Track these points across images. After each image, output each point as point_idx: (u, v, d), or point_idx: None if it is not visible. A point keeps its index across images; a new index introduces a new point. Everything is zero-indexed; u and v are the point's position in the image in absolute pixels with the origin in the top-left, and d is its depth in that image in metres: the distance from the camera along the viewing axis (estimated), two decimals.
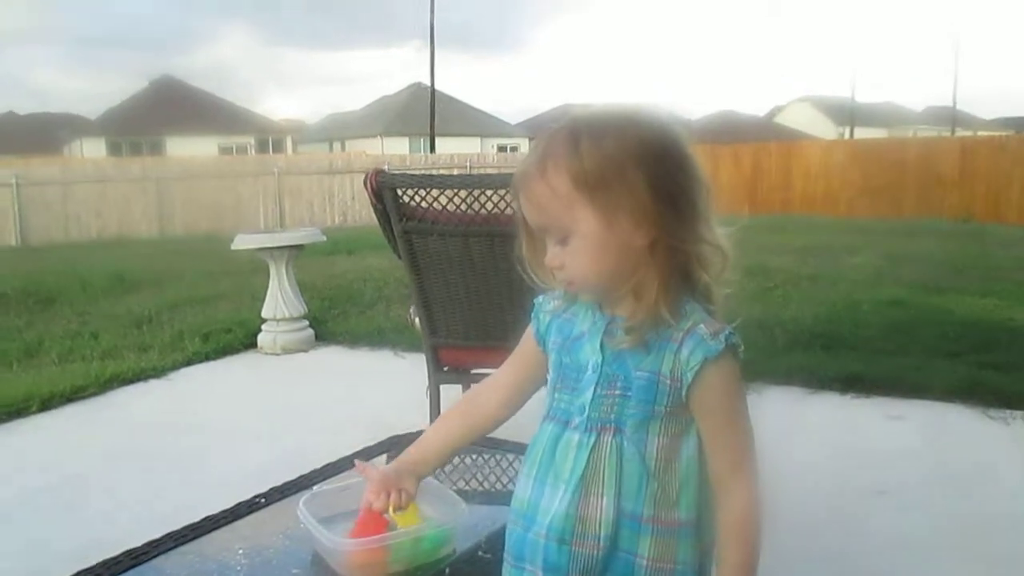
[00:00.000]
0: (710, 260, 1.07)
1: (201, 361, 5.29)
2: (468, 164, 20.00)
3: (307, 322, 5.66)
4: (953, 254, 9.07)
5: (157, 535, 1.48)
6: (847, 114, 42.23)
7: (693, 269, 1.07)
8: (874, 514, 2.87)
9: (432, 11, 25.64)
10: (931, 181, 16.37)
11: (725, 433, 1.10)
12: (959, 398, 4.03)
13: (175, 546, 1.46)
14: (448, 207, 2.86)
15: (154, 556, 1.43)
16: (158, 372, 4.98)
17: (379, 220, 3.04)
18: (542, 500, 1.12)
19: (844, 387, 4.27)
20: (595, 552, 1.09)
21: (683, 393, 1.07)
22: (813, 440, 3.66)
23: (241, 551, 1.43)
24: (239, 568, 1.37)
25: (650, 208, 1.02)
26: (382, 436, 2.04)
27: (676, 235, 1.04)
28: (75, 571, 1.37)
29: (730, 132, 36.15)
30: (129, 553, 1.43)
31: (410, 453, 1.32)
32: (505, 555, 1.18)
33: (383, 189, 2.89)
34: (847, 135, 39.30)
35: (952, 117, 43.78)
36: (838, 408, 4.08)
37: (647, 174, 1.02)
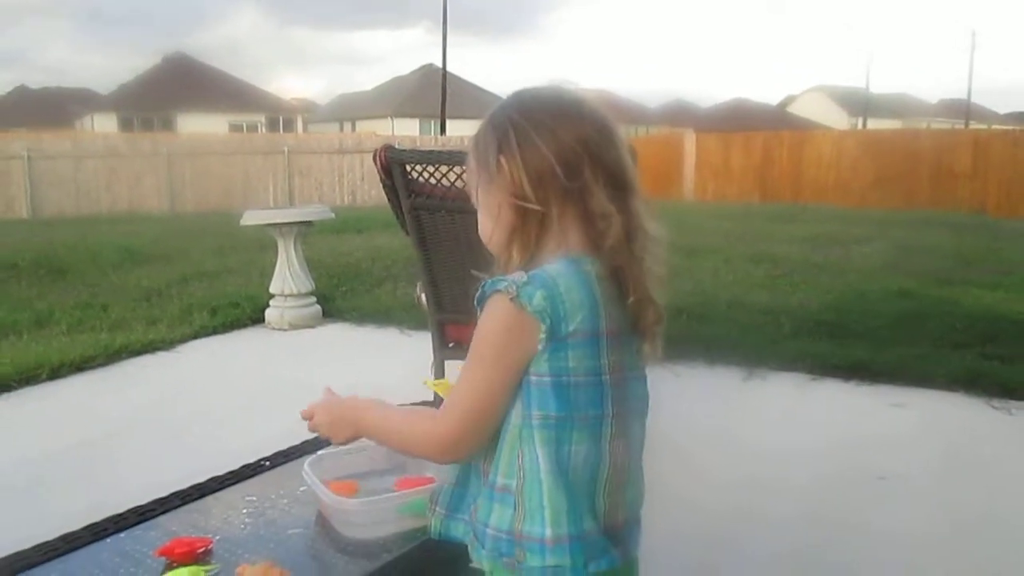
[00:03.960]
0: (586, 226, 1.08)
1: (209, 335, 5.34)
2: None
3: (315, 298, 5.69)
4: (964, 247, 9.02)
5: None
6: (860, 104, 42.00)
7: (558, 233, 1.09)
8: (874, 500, 2.89)
9: None
10: (944, 174, 16.24)
11: (463, 367, 1.11)
12: (963, 388, 4.04)
13: (180, 504, 1.49)
14: (456, 184, 2.87)
15: (160, 513, 1.45)
16: (166, 344, 5.03)
17: (388, 196, 3.06)
18: None
19: (848, 374, 4.28)
20: None
21: None
22: (816, 425, 3.68)
23: (245, 511, 1.46)
24: (243, 526, 1.40)
25: (518, 178, 1.07)
26: None
27: (545, 202, 1.07)
28: (84, 525, 1.40)
29: (742, 120, 36.04)
30: (135, 510, 1.46)
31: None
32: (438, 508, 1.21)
33: (392, 164, 2.90)
34: (860, 125, 39.05)
35: (966, 110, 43.50)
36: (842, 395, 4.09)
37: (515, 147, 1.08)
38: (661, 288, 1.13)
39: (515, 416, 1.09)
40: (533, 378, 1.06)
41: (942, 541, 2.61)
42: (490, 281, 1.06)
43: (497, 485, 1.10)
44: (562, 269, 1.06)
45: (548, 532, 1.06)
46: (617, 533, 1.11)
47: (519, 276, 1.05)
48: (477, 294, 1.08)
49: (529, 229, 1.09)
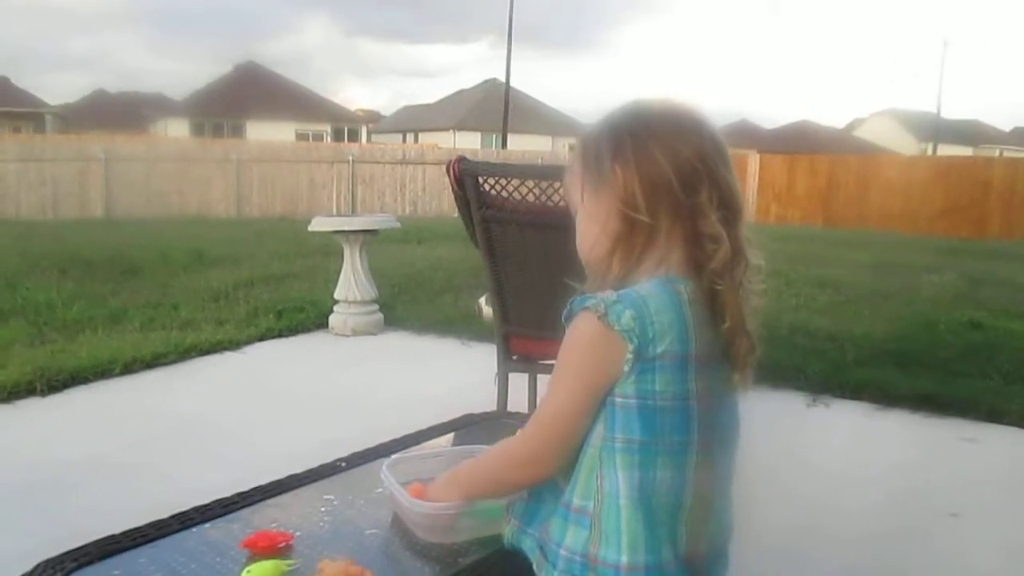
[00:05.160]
0: (692, 246, 1.07)
1: (274, 337, 5.47)
2: (540, 161, 20.02)
3: (377, 306, 5.78)
4: None
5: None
6: (931, 130, 41.02)
7: (663, 248, 1.08)
8: (942, 536, 2.82)
9: (511, 7, 25.76)
10: (1017, 203, 15.79)
11: (549, 383, 1.11)
12: None
13: (261, 499, 1.53)
14: (528, 197, 2.90)
15: (242, 507, 1.50)
16: (234, 345, 5.16)
17: (459, 207, 3.09)
18: None
19: (915, 406, 4.18)
20: None
21: None
22: (883, 455, 3.60)
23: (323, 509, 1.50)
24: (321, 524, 1.43)
25: (631, 186, 1.06)
26: (451, 416, 2.09)
27: (655, 215, 1.06)
28: (170, 514, 1.45)
29: (806, 142, 35.50)
30: (220, 502, 1.51)
31: None
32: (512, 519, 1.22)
33: (465, 176, 2.94)
34: (930, 151, 38.12)
35: None
36: (908, 426, 3.99)
37: (630, 155, 1.06)
38: (756, 318, 1.11)
39: (595, 438, 1.07)
40: (618, 400, 1.04)
41: None
42: (579, 299, 1.06)
43: (573, 506, 1.09)
44: (653, 289, 1.05)
45: (624, 559, 1.04)
46: (696, 565, 1.08)
47: (608, 295, 1.04)
48: (565, 311, 1.08)
49: (635, 240, 1.07)
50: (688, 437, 1.06)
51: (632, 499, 1.04)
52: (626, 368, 1.02)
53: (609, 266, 1.09)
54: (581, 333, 1.05)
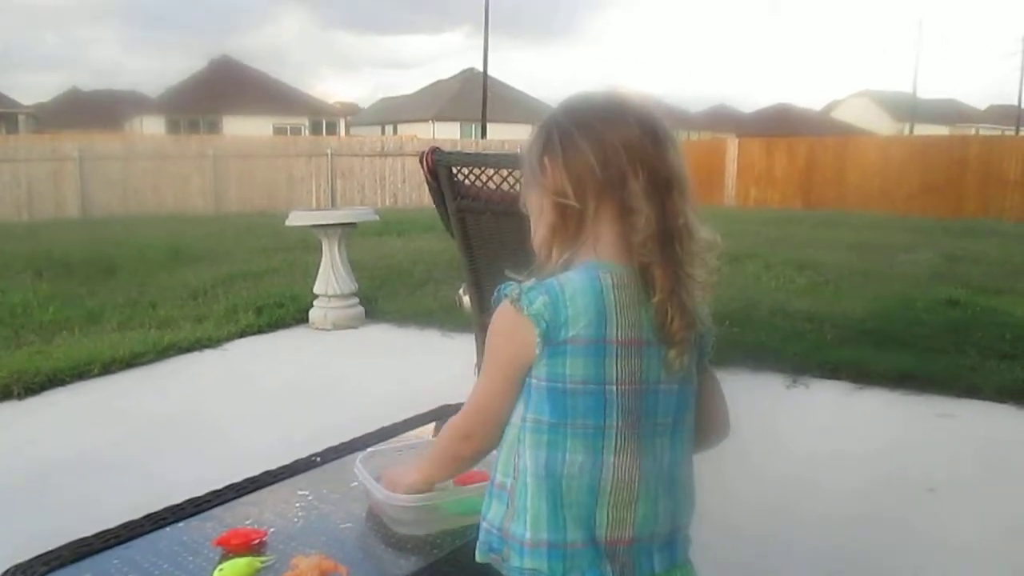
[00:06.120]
0: (620, 223, 1.07)
1: (254, 333, 5.44)
2: (519, 150, 19.96)
3: (357, 299, 5.76)
4: (1013, 256, 8.81)
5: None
6: (907, 110, 41.24)
7: (592, 228, 1.09)
8: (920, 511, 2.85)
9: None
10: (993, 181, 15.89)
11: None
12: (1013, 400, 3.96)
13: (235, 497, 1.52)
14: (502, 187, 2.89)
15: (216, 505, 1.49)
16: (213, 342, 5.12)
17: (433, 198, 3.08)
18: None
19: (894, 383, 4.22)
20: None
21: None
22: (862, 433, 3.64)
23: (298, 505, 1.49)
24: (296, 520, 1.43)
25: (559, 177, 1.08)
26: (431, 407, 2.08)
27: (582, 199, 1.08)
28: (142, 515, 1.44)
29: (785, 125, 35.63)
30: (193, 501, 1.50)
31: None
32: None
33: (438, 167, 2.93)
34: (906, 131, 38.35)
35: (1016, 116, 42.44)
36: (887, 404, 4.03)
37: (558, 148, 1.09)
38: (706, 294, 1.10)
39: (515, 417, 1.11)
40: (534, 381, 1.08)
41: (988, 554, 2.56)
42: (502, 286, 1.10)
43: (496, 482, 1.13)
44: (573, 276, 1.07)
45: (528, 535, 1.07)
46: (618, 549, 1.08)
47: (528, 282, 1.08)
48: (493, 298, 1.12)
49: (568, 227, 1.10)
50: (604, 421, 1.06)
51: (538, 477, 1.07)
52: (537, 351, 1.05)
53: (549, 255, 1.12)
54: (498, 318, 1.10)
